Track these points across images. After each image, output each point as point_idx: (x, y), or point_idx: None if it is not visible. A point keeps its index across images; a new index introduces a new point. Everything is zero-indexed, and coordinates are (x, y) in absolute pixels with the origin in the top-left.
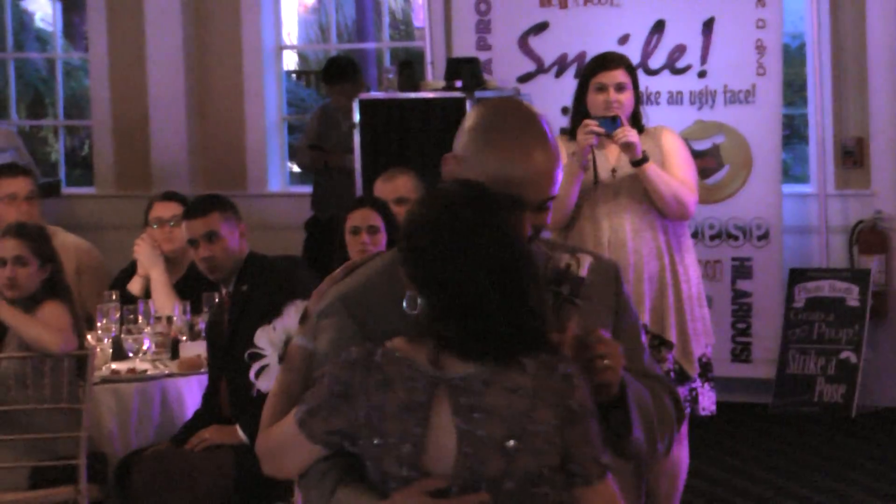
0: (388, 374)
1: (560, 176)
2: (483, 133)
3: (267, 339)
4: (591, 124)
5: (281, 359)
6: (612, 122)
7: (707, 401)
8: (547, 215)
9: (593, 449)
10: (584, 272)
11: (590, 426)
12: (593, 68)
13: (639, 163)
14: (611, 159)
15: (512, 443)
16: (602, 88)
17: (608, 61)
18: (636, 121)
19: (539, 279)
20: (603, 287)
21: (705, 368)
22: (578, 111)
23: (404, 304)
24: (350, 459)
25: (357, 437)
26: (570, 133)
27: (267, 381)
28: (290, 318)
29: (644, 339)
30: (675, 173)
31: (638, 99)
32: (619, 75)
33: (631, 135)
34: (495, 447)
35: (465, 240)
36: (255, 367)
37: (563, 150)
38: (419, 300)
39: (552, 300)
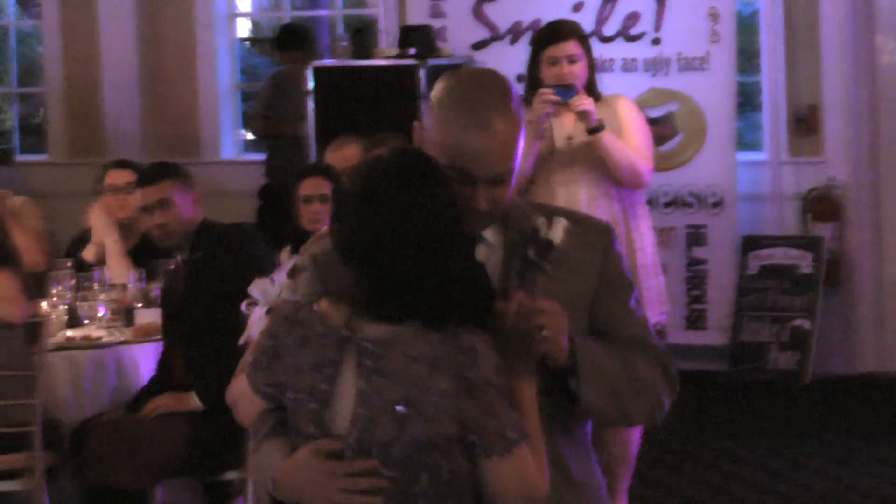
0: (307, 332)
1: (519, 150)
2: (442, 104)
3: (261, 290)
4: (547, 93)
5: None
6: (568, 91)
7: None
8: (505, 189)
9: (496, 421)
10: (556, 236)
11: (492, 398)
12: (544, 41)
13: (594, 131)
14: (566, 127)
15: (401, 407)
16: (554, 62)
17: (558, 33)
18: (591, 89)
19: (464, 249)
20: (583, 251)
21: (660, 336)
22: (533, 80)
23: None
24: (285, 414)
25: (284, 392)
26: (525, 101)
27: (257, 329)
28: (284, 271)
29: (634, 305)
30: (631, 141)
31: (592, 67)
32: (571, 46)
33: (586, 103)
34: (388, 411)
35: (377, 208)
36: (251, 316)
37: None
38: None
39: (518, 263)
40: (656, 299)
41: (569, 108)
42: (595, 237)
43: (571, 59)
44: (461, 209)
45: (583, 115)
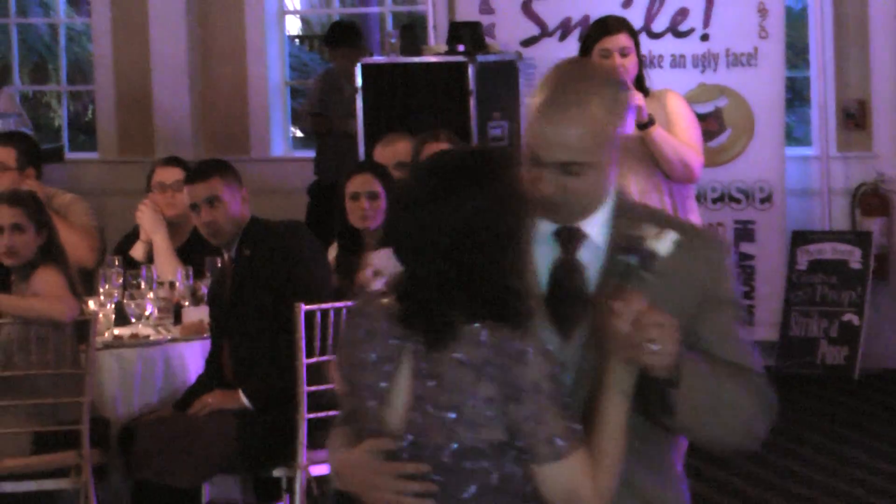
0: (373, 327)
1: (607, 145)
2: (535, 89)
3: (384, 261)
4: None
5: None
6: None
7: None
8: (580, 182)
9: (544, 428)
10: (663, 248)
11: (541, 405)
12: (596, 34)
13: (644, 126)
14: None
15: (451, 414)
16: (606, 54)
17: (610, 26)
18: (640, 84)
19: (522, 249)
20: (690, 266)
21: None
22: None
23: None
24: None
25: (352, 382)
26: None
27: None
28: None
29: (738, 327)
30: (681, 136)
31: (641, 62)
32: (623, 39)
33: (637, 98)
34: (438, 417)
35: (428, 208)
36: (375, 284)
37: None
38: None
39: (619, 270)
40: None
41: None
42: (705, 253)
43: (623, 52)
44: (517, 208)
45: (633, 110)
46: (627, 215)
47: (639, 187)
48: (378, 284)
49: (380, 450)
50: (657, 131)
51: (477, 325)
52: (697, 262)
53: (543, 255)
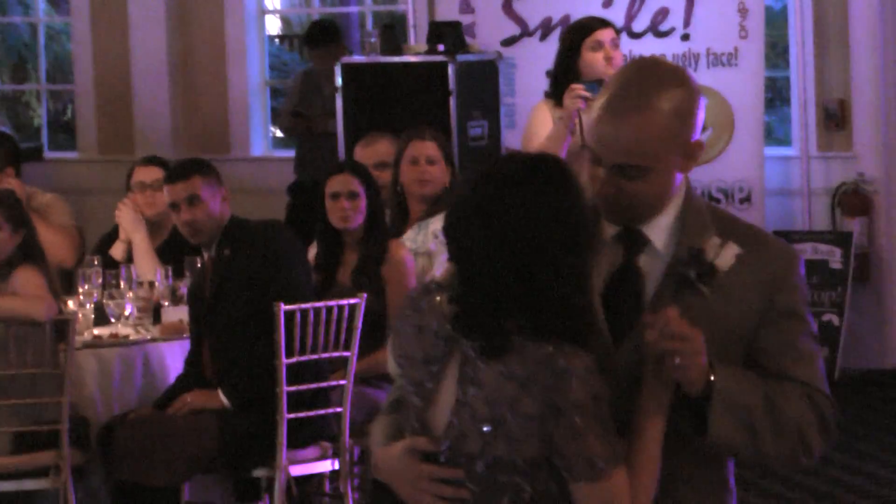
0: (424, 322)
1: (669, 147)
2: (603, 88)
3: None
4: (578, 88)
5: None
6: (599, 86)
7: None
8: (639, 185)
9: (584, 448)
10: (723, 261)
11: (582, 424)
12: (586, 28)
13: None
14: None
15: (487, 427)
16: (598, 46)
17: (599, 21)
18: None
19: (588, 264)
20: (751, 279)
21: None
22: (566, 75)
23: None
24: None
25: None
26: (555, 97)
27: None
28: None
29: (803, 343)
30: None
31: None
32: (612, 33)
33: None
34: (476, 427)
35: (481, 215)
36: (440, 257)
37: (549, 114)
38: None
39: (677, 281)
40: None
41: None
42: (770, 266)
43: (615, 44)
44: (586, 220)
45: None
46: (694, 222)
47: None
48: (440, 254)
49: (419, 450)
50: None
51: (530, 340)
52: (759, 273)
53: (606, 257)
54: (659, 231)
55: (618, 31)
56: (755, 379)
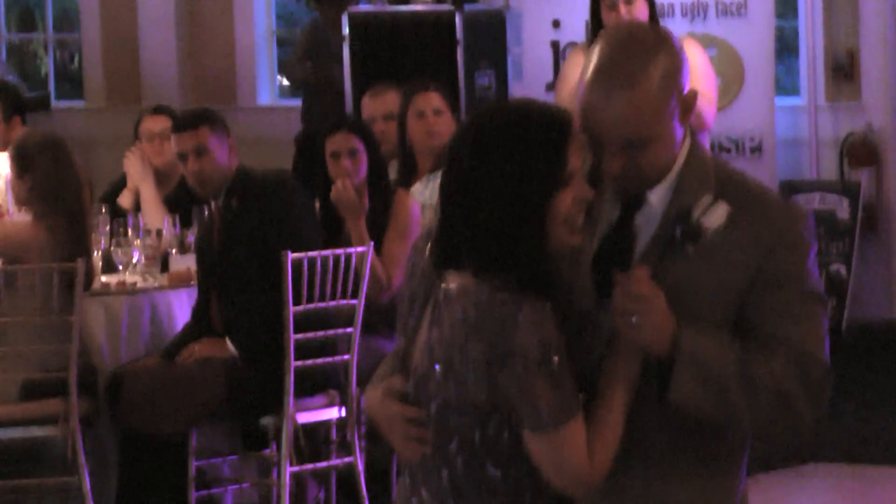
0: (419, 262)
1: (666, 109)
2: (585, 68)
3: None
4: None
5: None
6: None
7: None
8: (646, 152)
9: (530, 395)
10: (711, 221)
11: (529, 373)
12: None
13: None
14: None
15: (438, 367)
16: (613, 5)
17: None
18: None
19: (532, 213)
20: (743, 240)
21: None
22: (596, 24)
23: None
24: None
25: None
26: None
27: None
28: None
29: (799, 306)
30: (695, 85)
31: (653, 8)
32: None
33: None
34: (431, 368)
35: (454, 160)
36: None
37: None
38: None
39: (664, 240)
40: None
41: None
42: (766, 227)
43: (629, 0)
44: (546, 173)
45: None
46: (692, 179)
47: None
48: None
49: (395, 390)
50: None
51: (484, 282)
52: (753, 236)
53: (605, 214)
54: (660, 192)
55: None
56: (729, 342)
